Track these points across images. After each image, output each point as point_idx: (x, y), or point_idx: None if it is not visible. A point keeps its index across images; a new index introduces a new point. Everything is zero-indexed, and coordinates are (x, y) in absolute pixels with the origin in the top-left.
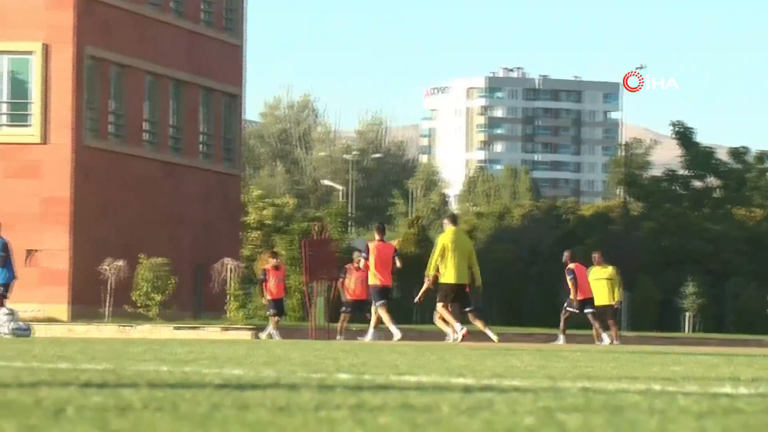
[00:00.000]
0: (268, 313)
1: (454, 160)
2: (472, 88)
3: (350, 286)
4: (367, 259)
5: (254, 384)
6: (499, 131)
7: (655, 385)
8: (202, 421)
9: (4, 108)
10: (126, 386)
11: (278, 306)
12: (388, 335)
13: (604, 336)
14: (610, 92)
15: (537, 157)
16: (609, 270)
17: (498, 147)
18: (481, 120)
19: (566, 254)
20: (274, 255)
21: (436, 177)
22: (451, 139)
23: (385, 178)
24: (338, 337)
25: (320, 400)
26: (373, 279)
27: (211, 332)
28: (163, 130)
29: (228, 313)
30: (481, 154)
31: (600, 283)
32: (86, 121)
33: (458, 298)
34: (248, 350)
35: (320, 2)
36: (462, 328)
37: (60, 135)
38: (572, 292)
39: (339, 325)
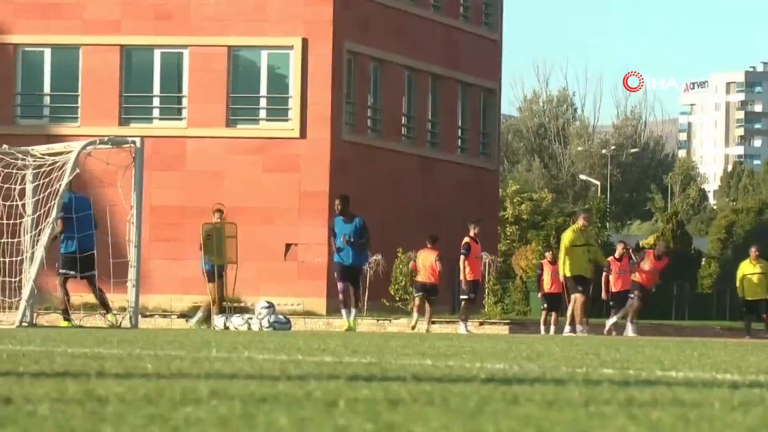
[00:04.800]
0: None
1: (713, 155)
2: (731, 82)
3: (613, 280)
4: (466, 256)
5: (520, 378)
6: (758, 126)
7: None
8: (472, 414)
9: (263, 103)
10: (392, 380)
11: (550, 301)
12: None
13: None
14: None
15: None
16: (764, 265)
17: (757, 142)
18: (740, 115)
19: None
20: (549, 248)
21: (694, 172)
22: (709, 134)
23: (643, 173)
24: (612, 331)
25: (588, 395)
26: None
27: (468, 326)
28: (420, 124)
29: (485, 307)
30: (740, 149)
31: (754, 278)
32: (344, 116)
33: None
34: (508, 345)
35: None
36: None
37: (318, 129)
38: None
39: (631, 313)
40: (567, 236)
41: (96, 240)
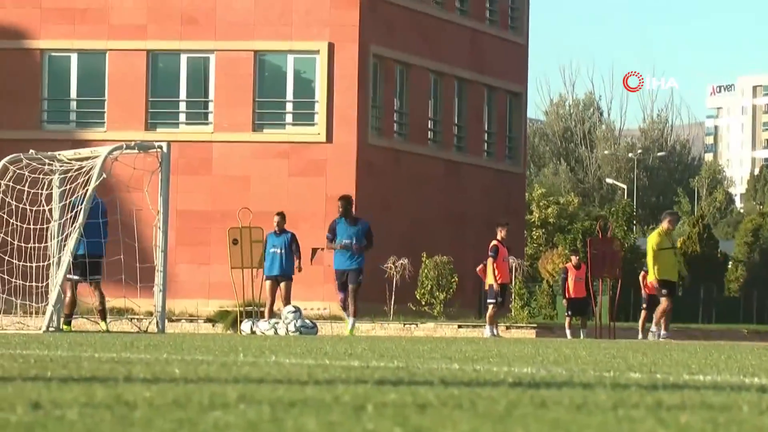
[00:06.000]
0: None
1: (739, 159)
2: (757, 85)
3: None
4: (494, 259)
5: (548, 382)
6: None
7: None
8: (501, 418)
9: (289, 107)
10: (420, 384)
11: (575, 306)
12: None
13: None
14: None
15: None
16: None
17: None
18: (767, 118)
19: None
20: (575, 252)
21: (721, 175)
22: (736, 137)
23: (670, 176)
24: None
25: (617, 398)
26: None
27: (494, 330)
28: (446, 128)
29: (512, 311)
30: (767, 153)
31: None
32: (370, 120)
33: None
34: (535, 348)
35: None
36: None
37: (344, 133)
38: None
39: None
40: (653, 239)
41: (106, 245)
